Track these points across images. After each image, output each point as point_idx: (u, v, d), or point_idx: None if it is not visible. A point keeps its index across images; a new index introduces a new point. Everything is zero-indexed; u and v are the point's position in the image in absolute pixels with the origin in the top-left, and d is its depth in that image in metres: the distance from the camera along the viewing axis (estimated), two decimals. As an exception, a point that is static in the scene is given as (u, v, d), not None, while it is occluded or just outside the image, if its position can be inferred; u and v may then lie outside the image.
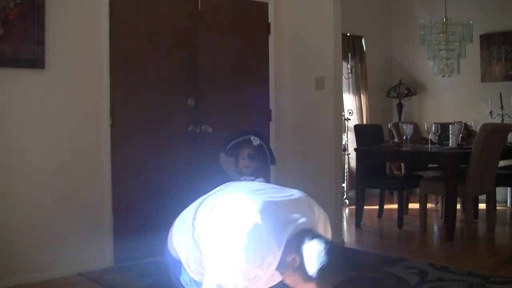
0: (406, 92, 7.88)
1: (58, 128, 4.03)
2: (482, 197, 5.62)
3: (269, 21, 5.26)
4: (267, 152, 3.81)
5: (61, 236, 4.00)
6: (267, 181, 3.50)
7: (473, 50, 7.11)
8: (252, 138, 3.74)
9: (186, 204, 2.58)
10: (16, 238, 3.82)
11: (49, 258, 3.93)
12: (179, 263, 2.46)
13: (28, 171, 3.89)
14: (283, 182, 5.05)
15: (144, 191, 4.47)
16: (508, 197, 6.90)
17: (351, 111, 7.44)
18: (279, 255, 2.14)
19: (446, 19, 6.43)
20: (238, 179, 3.54)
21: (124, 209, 4.34)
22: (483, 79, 7.36)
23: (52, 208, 3.99)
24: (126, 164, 4.36)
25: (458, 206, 5.73)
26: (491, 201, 5.59)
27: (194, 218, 2.38)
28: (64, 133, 4.06)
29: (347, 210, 6.71)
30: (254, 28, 5.19)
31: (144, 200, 4.46)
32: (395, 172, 7.03)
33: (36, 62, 3.89)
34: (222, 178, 3.52)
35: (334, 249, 2.16)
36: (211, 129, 4.76)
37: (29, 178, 3.89)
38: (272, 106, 5.27)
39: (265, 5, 5.24)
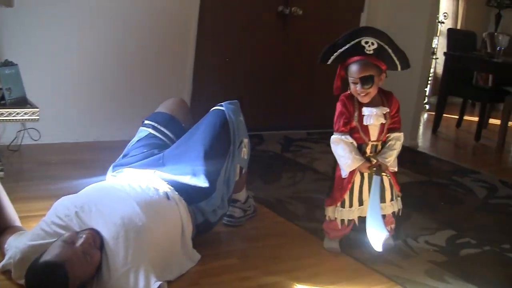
0: (508, 2, 7.40)
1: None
2: None
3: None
4: (393, 55, 2.52)
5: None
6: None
7: None
8: (364, 42, 2.43)
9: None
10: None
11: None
12: None
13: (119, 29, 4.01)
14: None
15: (225, 70, 4.47)
16: None
17: (446, 15, 7.10)
18: None
19: None
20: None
21: (203, 86, 4.38)
22: None
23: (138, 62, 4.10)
24: (211, 40, 4.34)
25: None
26: None
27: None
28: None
29: (425, 115, 6.58)
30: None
31: (224, 78, 4.48)
32: (481, 84, 6.77)
33: None
34: None
35: None
36: (301, 11, 4.59)
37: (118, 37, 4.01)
38: (366, -5, 5.00)
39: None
